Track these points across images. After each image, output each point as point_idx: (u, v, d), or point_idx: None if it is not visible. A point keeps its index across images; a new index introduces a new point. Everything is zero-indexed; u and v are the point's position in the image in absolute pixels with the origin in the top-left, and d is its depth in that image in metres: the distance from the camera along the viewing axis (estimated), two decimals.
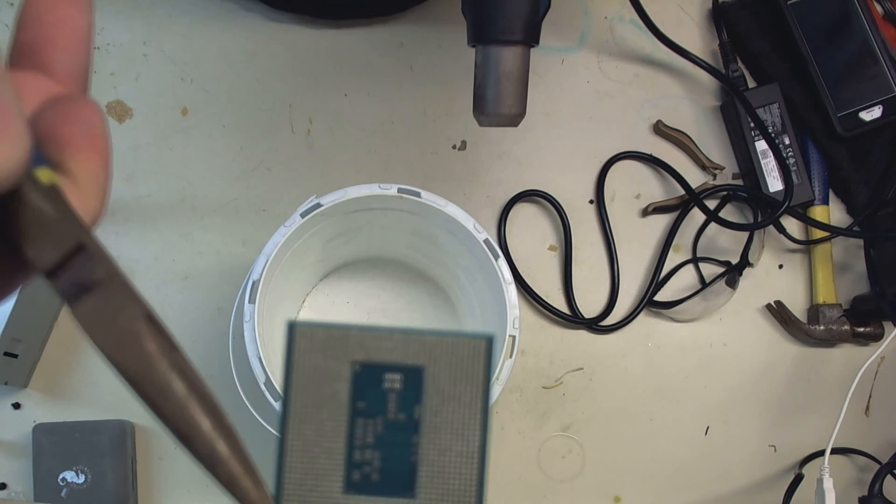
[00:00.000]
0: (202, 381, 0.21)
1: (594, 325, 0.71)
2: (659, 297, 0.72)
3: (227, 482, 0.21)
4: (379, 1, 0.71)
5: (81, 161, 0.21)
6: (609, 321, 0.72)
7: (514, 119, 0.52)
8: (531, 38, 0.50)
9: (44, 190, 0.19)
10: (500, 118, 0.52)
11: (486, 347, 0.22)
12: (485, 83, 0.51)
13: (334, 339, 0.22)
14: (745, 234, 0.72)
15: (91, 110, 0.22)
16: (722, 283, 0.70)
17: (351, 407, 0.21)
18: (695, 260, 0.73)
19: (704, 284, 0.72)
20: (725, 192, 0.72)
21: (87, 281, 0.19)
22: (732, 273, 0.70)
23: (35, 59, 0.22)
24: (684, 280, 0.73)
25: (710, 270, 0.74)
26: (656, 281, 0.72)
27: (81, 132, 0.21)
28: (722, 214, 0.71)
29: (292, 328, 0.22)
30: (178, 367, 0.21)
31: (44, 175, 0.20)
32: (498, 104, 0.51)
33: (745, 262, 0.70)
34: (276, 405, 0.53)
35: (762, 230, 0.72)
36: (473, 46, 0.52)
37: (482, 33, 0.50)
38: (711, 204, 0.73)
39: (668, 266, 0.73)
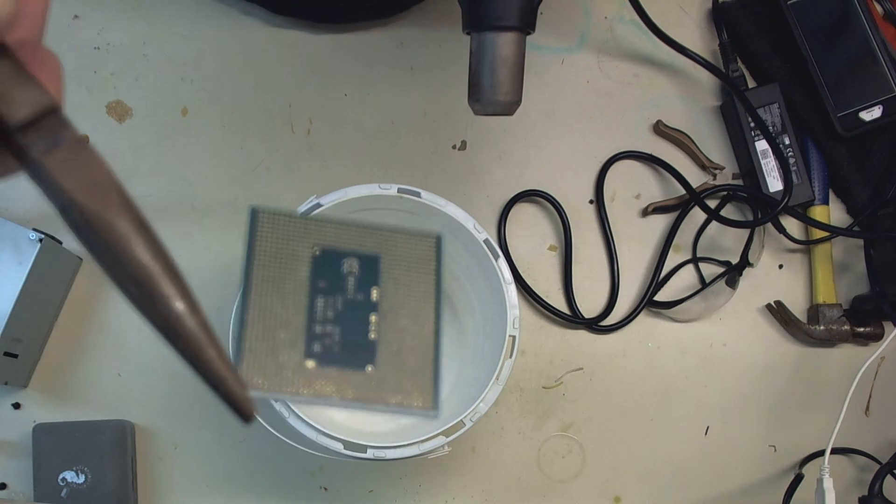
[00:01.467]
0: (158, 239, 0.22)
1: (594, 326, 0.71)
2: (659, 297, 0.72)
3: (191, 351, 0.20)
4: (379, 3, 0.72)
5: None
6: (609, 321, 0.72)
7: (510, 107, 0.51)
8: (526, 24, 0.50)
9: (16, 65, 0.21)
10: (495, 105, 0.51)
11: (436, 244, 0.25)
12: (480, 70, 0.50)
13: (296, 226, 0.24)
14: (745, 235, 0.72)
15: (43, 49, 0.25)
16: (722, 283, 0.70)
17: (311, 286, 0.23)
18: (695, 260, 0.73)
19: (704, 284, 0.72)
20: (725, 192, 0.72)
21: (59, 138, 0.21)
22: (732, 273, 0.70)
23: None
24: (684, 280, 0.73)
25: (710, 270, 0.74)
26: (656, 281, 0.72)
27: (37, 61, 0.24)
28: (722, 214, 0.71)
29: (255, 213, 0.25)
30: (139, 224, 0.21)
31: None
32: (493, 91, 0.50)
33: (745, 262, 0.70)
34: (276, 405, 0.53)
35: (762, 230, 0.72)
36: (468, 34, 0.51)
37: (477, 19, 0.50)
38: (711, 204, 0.73)
39: (668, 266, 0.73)
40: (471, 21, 0.50)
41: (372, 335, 0.22)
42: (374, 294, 0.23)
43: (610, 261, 0.72)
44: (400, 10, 0.73)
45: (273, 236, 0.24)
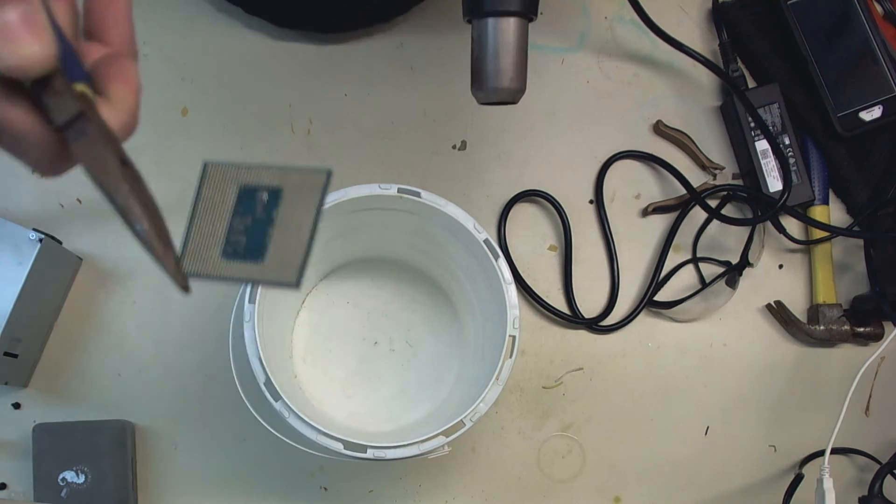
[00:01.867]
0: (144, 188, 0.35)
1: (594, 326, 0.71)
2: (659, 296, 0.72)
3: (151, 247, 0.34)
4: (379, 6, 0.71)
5: (114, 88, 0.33)
6: (609, 321, 0.72)
7: (515, 94, 0.50)
8: (528, 9, 0.49)
9: (67, 85, 0.30)
10: (499, 93, 0.50)
11: (325, 179, 0.34)
12: (482, 57, 0.49)
13: (231, 171, 0.36)
14: (745, 235, 0.72)
15: (127, 59, 0.34)
16: (722, 283, 0.70)
17: (234, 210, 0.35)
18: (695, 260, 0.73)
19: (704, 284, 0.72)
20: (726, 192, 0.72)
21: (85, 130, 0.31)
22: (732, 273, 0.70)
23: (96, 35, 0.35)
24: (684, 280, 0.73)
25: (710, 270, 0.74)
26: (656, 281, 0.72)
27: (117, 71, 0.33)
28: (722, 214, 0.71)
29: (205, 165, 0.37)
30: (129, 178, 0.33)
31: (78, 87, 0.31)
32: (497, 78, 0.49)
33: (745, 262, 0.70)
34: (276, 405, 0.53)
35: (762, 230, 0.72)
36: (469, 21, 0.50)
37: (478, 5, 0.49)
38: (711, 204, 0.73)
39: (668, 266, 0.73)
40: (471, 7, 0.49)
41: (268, 239, 0.34)
42: (274, 214, 0.34)
43: (610, 261, 0.72)
44: (400, 13, 0.73)
45: (216, 180, 0.37)
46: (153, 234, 0.33)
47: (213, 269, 0.35)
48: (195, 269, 0.35)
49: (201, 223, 0.36)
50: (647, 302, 0.72)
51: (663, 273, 0.73)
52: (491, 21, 0.48)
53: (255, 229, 0.34)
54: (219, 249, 0.35)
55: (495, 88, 0.49)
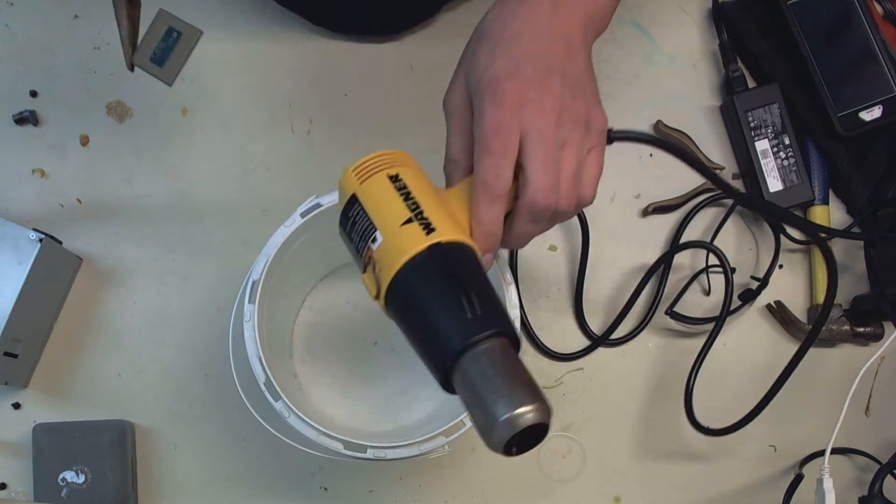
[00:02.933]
0: (135, 13, 0.50)
1: (606, 342, 0.71)
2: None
3: (122, 43, 0.51)
4: (388, 22, 0.72)
5: None
6: (617, 334, 0.72)
7: (538, 415, 0.38)
8: (502, 327, 0.40)
9: None
10: (519, 420, 0.37)
11: None
12: (474, 400, 0.39)
13: None
14: (750, 239, 0.72)
15: None
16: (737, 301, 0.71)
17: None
18: (706, 270, 0.72)
19: (725, 303, 0.72)
20: (721, 194, 0.72)
21: None
22: (751, 293, 0.71)
23: None
24: (694, 290, 0.73)
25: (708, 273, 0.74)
26: (662, 290, 0.72)
27: None
28: (727, 224, 0.72)
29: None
30: (127, 7, 0.51)
31: None
32: (504, 407, 0.37)
33: (765, 283, 0.71)
34: (276, 405, 0.53)
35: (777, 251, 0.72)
36: (449, 387, 0.41)
37: (444, 355, 0.40)
38: (712, 208, 0.73)
39: (671, 267, 0.73)
40: (440, 364, 0.40)
41: None
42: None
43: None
44: (405, 28, 0.73)
45: None
46: (127, 38, 0.52)
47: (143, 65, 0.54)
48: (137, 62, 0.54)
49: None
50: (668, 313, 0.71)
51: (671, 278, 0.72)
52: (456, 371, 0.40)
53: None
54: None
55: (515, 424, 0.37)
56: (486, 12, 0.49)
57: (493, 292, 0.43)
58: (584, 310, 0.72)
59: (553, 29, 0.46)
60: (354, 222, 0.47)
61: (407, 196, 0.46)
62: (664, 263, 0.72)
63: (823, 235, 0.72)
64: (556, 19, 0.46)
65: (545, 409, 0.38)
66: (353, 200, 0.47)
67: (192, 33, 0.54)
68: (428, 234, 0.43)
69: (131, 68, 0.54)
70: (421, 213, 0.44)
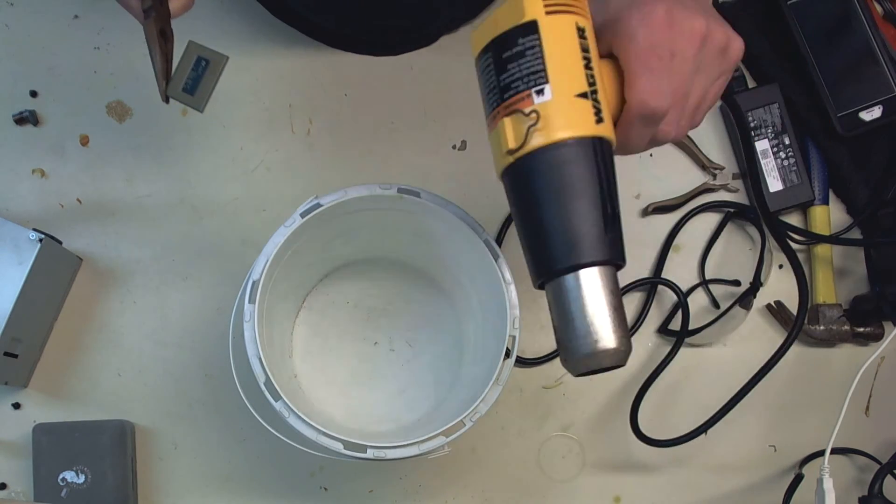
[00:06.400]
0: (168, 47, 0.54)
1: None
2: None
3: (157, 76, 0.54)
4: (390, 48, 0.73)
5: None
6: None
7: (617, 356, 0.40)
8: (613, 255, 0.40)
9: None
10: (596, 358, 0.39)
11: None
12: (565, 323, 0.40)
13: None
14: (748, 239, 0.72)
15: None
16: (737, 306, 0.70)
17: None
18: (704, 283, 0.73)
19: (718, 308, 0.72)
20: (719, 202, 0.72)
21: (150, 12, 0.51)
22: (748, 296, 0.71)
23: None
24: (696, 302, 0.73)
25: (719, 289, 0.74)
26: (652, 300, 0.72)
27: None
28: (725, 234, 0.72)
29: None
30: (160, 42, 0.53)
31: None
32: (588, 342, 0.39)
33: (758, 284, 0.71)
34: (276, 405, 0.53)
35: (770, 249, 0.72)
36: (541, 287, 0.42)
37: (547, 266, 0.40)
38: (713, 212, 0.73)
39: (666, 267, 0.73)
40: (540, 271, 0.41)
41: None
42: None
43: None
44: (406, 51, 0.74)
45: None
46: (161, 72, 0.54)
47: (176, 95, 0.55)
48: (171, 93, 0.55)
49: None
50: (659, 331, 0.72)
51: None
52: (569, 279, 0.40)
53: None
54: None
55: (589, 354, 0.39)
56: None
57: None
58: None
59: None
60: (521, 56, 0.39)
61: (588, 63, 0.40)
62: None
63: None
64: None
65: (625, 353, 0.39)
66: (531, 29, 0.39)
67: (220, 60, 0.55)
68: (597, 122, 0.39)
69: (166, 100, 0.55)
70: (596, 94, 0.39)
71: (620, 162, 0.73)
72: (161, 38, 0.53)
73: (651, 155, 0.74)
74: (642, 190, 0.74)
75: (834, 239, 0.72)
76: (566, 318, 0.40)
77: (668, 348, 0.71)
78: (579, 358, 0.40)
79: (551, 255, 0.40)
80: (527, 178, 0.40)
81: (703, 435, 0.71)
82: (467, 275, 0.63)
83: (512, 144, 0.39)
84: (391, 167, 0.72)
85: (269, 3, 0.72)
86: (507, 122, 0.39)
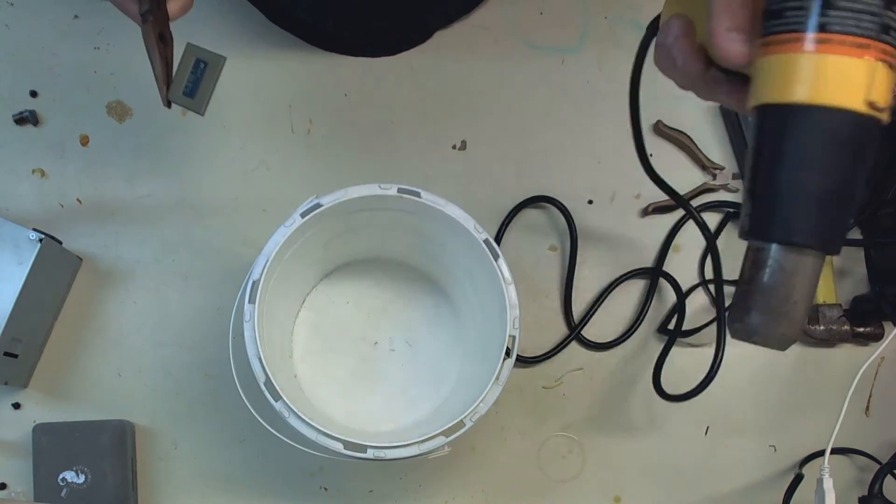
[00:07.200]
0: (167, 51, 0.54)
1: (607, 343, 0.72)
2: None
3: (157, 81, 0.54)
4: (385, 49, 0.73)
5: None
6: (609, 338, 0.72)
7: (785, 343, 0.39)
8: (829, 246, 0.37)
9: None
10: (768, 339, 0.39)
11: None
12: (769, 290, 0.38)
13: None
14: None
15: None
16: None
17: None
18: (704, 283, 0.73)
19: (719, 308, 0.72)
20: (728, 208, 0.72)
21: (148, 16, 0.51)
22: None
23: None
24: (695, 303, 0.73)
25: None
26: (650, 300, 0.72)
27: None
28: (721, 231, 0.72)
29: None
30: (159, 46, 0.53)
31: None
32: (776, 322, 0.38)
33: None
34: (276, 405, 0.53)
35: None
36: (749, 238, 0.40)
37: (785, 228, 0.37)
38: (713, 212, 0.73)
39: (666, 266, 0.73)
40: (761, 229, 0.38)
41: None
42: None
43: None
44: (399, 51, 0.73)
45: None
46: (161, 77, 0.54)
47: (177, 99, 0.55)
48: (172, 98, 0.55)
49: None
50: (659, 330, 0.72)
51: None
52: (793, 255, 0.38)
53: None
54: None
55: (768, 334, 0.38)
56: None
57: None
58: (584, 311, 0.72)
59: None
60: None
61: None
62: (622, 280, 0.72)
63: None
64: None
65: (790, 341, 0.38)
66: None
67: (217, 61, 0.54)
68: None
69: (168, 105, 0.55)
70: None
71: (620, 162, 0.74)
72: (160, 42, 0.53)
73: (651, 154, 0.74)
74: (642, 190, 0.74)
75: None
76: (744, 280, 0.39)
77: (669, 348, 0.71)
78: (757, 329, 0.39)
79: (804, 226, 0.36)
80: (848, 137, 0.34)
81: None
82: (467, 275, 0.63)
83: (878, 98, 0.32)
84: (391, 167, 0.72)
85: (267, 9, 0.72)
86: (882, 69, 0.32)
